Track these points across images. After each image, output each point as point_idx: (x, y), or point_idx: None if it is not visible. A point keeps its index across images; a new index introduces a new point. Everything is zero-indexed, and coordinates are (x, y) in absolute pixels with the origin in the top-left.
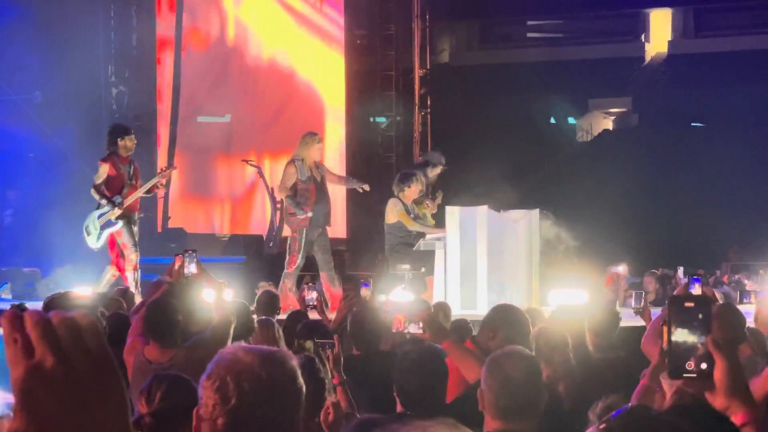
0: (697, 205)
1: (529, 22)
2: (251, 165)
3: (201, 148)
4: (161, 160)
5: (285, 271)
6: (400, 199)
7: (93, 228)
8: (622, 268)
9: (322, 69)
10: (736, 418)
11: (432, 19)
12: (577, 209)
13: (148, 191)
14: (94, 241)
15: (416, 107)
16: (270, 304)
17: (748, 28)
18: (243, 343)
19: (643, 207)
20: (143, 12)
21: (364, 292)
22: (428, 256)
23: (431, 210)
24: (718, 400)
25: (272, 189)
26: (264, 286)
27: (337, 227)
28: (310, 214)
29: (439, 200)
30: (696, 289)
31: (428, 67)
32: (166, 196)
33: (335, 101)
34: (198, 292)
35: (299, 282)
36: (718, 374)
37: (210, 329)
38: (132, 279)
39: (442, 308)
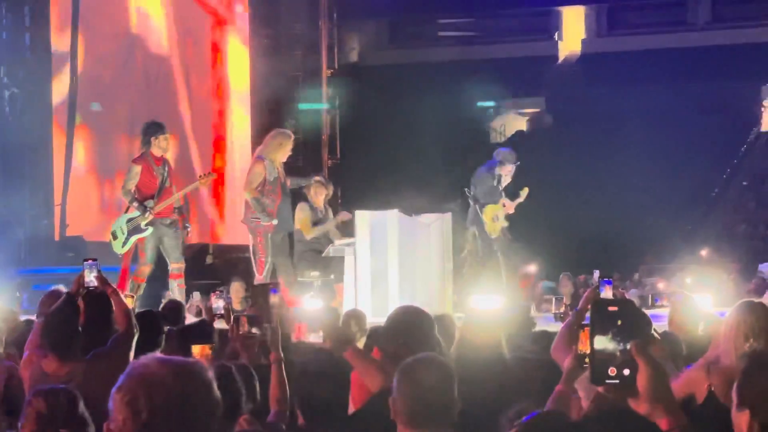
0: (613, 206)
1: (441, 21)
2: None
3: (101, 150)
4: (57, 169)
5: (256, 277)
6: (308, 202)
7: (120, 232)
8: (532, 268)
9: (232, 67)
10: (661, 423)
11: (340, 18)
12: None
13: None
14: (120, 246)
15: (324, 109)
16: (176, 313)
17: (661, 27)
18: (158, 354)
19: (557, 209)
20: (36, 12)
21: (273, 298)
22: (338, 263)
23: (508, 210)
24: (641, 407)
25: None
26: (170, 295)
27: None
28: (275, 222)
29: (521, 198)
30: (607, 291)
31: (336, 67)
32: (63, 203)
33: (242, 101)
34: (99, 302)
35: (207, 291)
36: (642, 380)
37: (112, 341)
38: (127, 289)
39: (356, 316)
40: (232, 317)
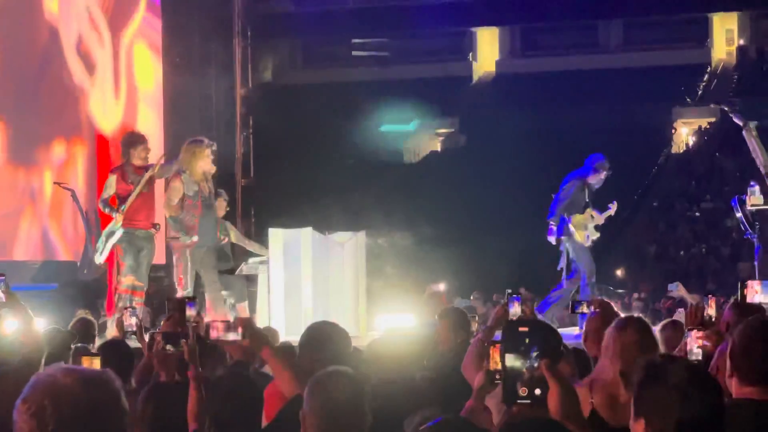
0: (525, 226)
1: (354, 41)
2: (64, 188)
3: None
4: None
5: (177, 294)
6: None
7: (101, 243)
8: (441, 286)
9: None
10: None
11: (254, 37)
12: (403, 231)
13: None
14: (99, 255)
15: (238, 128)
16: (86, 330)
17: (574, 48)
18: (62, 364)
19: (469, 228)
20: None
21: (189, 312)
22: (239, 282)
23: (598, 221)
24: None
25: (86, 212)
26: (81, 313)
27: (157, 252)
28: (195, 239)
29: (612, 212)
30: (515, 308)
31: (250, 86)
32: None
33: (153, 119)
34: (5, 320)
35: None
36: (552, 399)
37: (19, 359)
38: (115, 305)
39: (269, 334)
40: (146, 335)
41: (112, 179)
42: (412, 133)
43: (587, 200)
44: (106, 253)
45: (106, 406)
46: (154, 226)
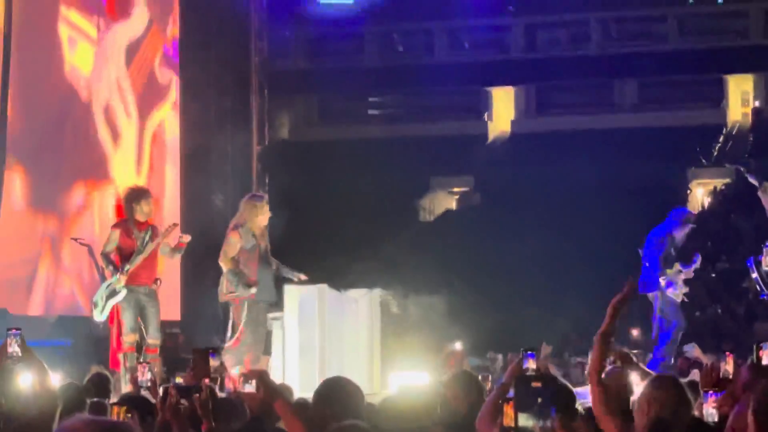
0: (540, 285)
1: (370, 98)
2: (81, 243)
3: (26, 223)
4: None
5: (227, 345)
6: None
7: (100, 299)
8: (458, 346)
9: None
10: None
11: (270, 94)
12: (418, 288)
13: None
14: (99, 313)
15: (254, 184)
16: (101, 385)
17: (589, 108)
18: (84, 415)
19: (484, 286)
20: None
21: (213, 363)
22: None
23: (687, 275)
24: None
25: (102, 268)
26: (95, 369)
27: (171, 308)
28: (253, 291)
29: (697, 265)
30: (530, 364)
31: (266, 142)
32: None
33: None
34: (21, 374)
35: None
36: None
37: (34, 413)
38: (122, 364)
39: (285, 390)
40: (161, 389)
41: (115, 234)
42: (427, 191)
43: (673, 255)
44: (106, 312)
45: None
46: (156, 281)
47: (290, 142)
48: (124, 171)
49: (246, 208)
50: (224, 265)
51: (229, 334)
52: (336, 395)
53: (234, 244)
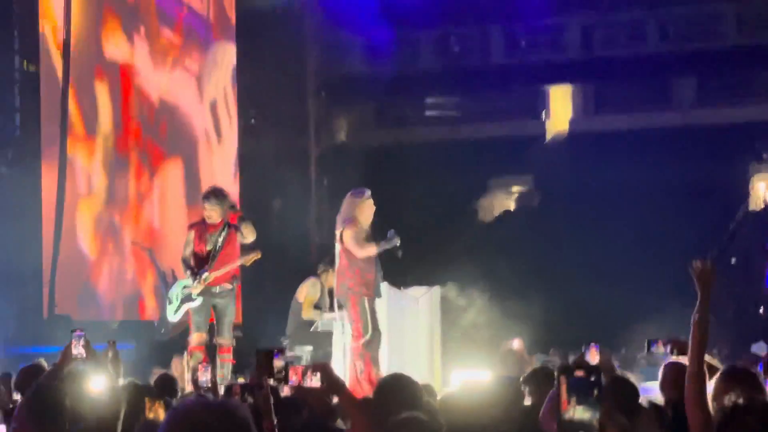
0: (601, 284)
1: (427, 101)
2: (141, 247)
3: (93, 230)
4: (46, 247)
5: (353, 347)
6: (320, 281)
7: (175, 298)
8: (516, 343)
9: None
10: None
11: (327, 98)
12: (478, 287)
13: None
14: (172, 312)
15: (312, 189)
16: (168, 386)
17: (648, 106)
18: (200, 397)
19: (545, 286)
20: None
21: (278, 363)
22: (328, 337)
23: None
24: None
25: (164, 272)
26: (158, 371)
27: None
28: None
29: None
30: (593, 355)
31: (324, 147)
32: (52, 281)
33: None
34: (87, 374)
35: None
36: None
37: (99, 415)
38: (186, 363)
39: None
40: (222, 389)
41: (190, 236)
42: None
43: None
44: (180, 314)
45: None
46: (233, 280)
47: (347, 146)
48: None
49: (350, 205)
50: (370, 251)
51: (343, 330)
52: (396, 389)
53: (359, 233)
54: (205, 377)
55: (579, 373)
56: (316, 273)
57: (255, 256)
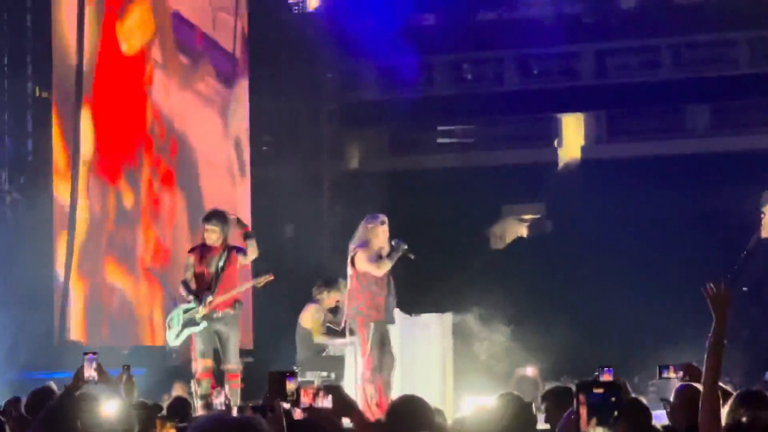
0: (612, 312)
1: (439, 128)
2: (154, 274)
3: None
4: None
5: (363, 371)
6: (321, 305)
7: (176, 322)
8: (530, 370)
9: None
10: None
11: (341, 124)
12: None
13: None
14: (173, 337)
15: (324, 215)
16: (182, 410)
17: (661, 133)
18: (215, 414)
19: (557, 314)
20: (41, 117)
21: (290, 386)
22: (340, 362)
23: None
24: None
25: (175, 297)
26: (178, 388)
27: (244, 336)
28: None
29: None
30: (606, 378)
31: (337, 173)
32: (63, 306)
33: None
34: (99, 397)
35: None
36: None
37: None
38: (194, 390)
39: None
40: (234, 410)
41: (190, 260)
42: (498, 219)
43: None
44: (182, 338)
45: None
46: (235, 305)
47: (360, 172)
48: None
49: (366, 229)
50: (384, 268)
51: (363, 360)
52: (409, 411)
53: (372, 255)
54: (218, 400)
55: (598, 390)
56: (313, 299)
57: (268, 278)
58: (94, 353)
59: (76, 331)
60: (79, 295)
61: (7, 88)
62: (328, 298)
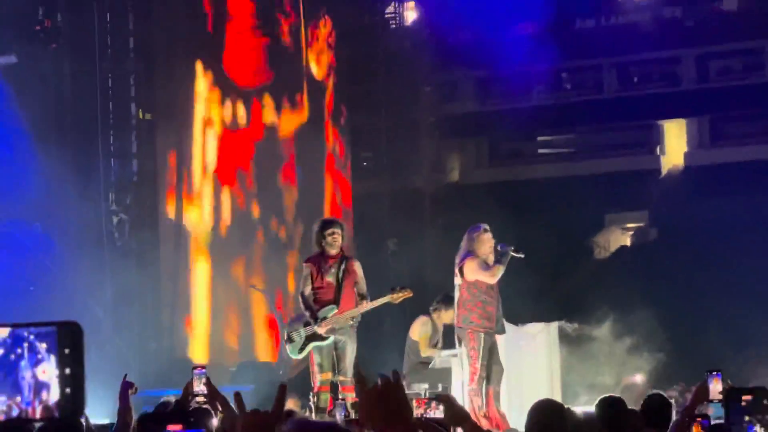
0: (719, 320)
1: (539, 138)
2: (258, 290)
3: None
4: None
5: (468, 382)
6: (432, 319)
7: (297, 336)
8: (638, 378)
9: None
10: None
11: (440, 138)
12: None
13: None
14: (296, 351)
15: (426, 228)
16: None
17: (764, 137)
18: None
19: (663, 322)
20: (143, 137)
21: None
22: (446, 374)
23: None
24: None
25: (282, 313)
26: (289, 402)
27: None
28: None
29: None
30: (715, 384)
31: (438, 185)
32: (171, 324)
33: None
34: (208, 414)
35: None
36: None
37: None
38: (313, 404)
39: None
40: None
41: (306, 271)
42: (601, 228)
43: None
44: (305, 352)
45: None
46: (354, 317)
47: (461, 184)
48: None
49: (470, 240)
50: (496, 275)
51: (468, 371)
52: (545, 414)
53: (481, 263)
54: (339, 414)
55: (746, 397)
56: (428, 311)
57: (406, 294)
58: (203, 367)
59: (182, 350)
60: (184, 313)
61: (112, 111)
62: (444, 316)
